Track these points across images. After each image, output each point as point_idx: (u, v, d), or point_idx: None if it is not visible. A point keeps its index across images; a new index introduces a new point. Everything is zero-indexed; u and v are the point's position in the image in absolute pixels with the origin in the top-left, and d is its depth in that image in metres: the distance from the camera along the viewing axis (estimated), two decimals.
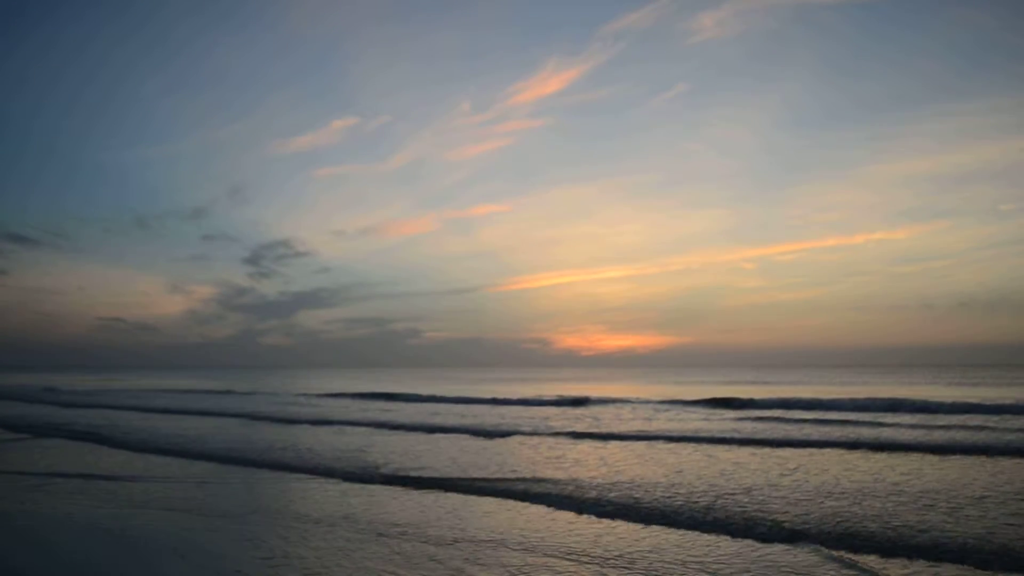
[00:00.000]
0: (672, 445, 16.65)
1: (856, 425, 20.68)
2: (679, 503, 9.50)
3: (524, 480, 11.54)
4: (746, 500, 9.62)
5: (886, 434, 18.14)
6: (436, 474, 12.25)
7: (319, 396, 43.08)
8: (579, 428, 21.06)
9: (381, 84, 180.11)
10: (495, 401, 35.88)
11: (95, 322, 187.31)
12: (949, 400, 27.89)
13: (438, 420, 24.48)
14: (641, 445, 16.72)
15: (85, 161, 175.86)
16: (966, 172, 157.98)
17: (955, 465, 12.96)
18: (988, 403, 26.54)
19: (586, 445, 16.89)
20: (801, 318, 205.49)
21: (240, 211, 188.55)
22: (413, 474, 12.24)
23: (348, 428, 22.00)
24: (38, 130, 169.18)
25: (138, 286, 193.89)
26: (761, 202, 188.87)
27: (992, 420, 21.45)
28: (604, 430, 20.27)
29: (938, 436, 17.44)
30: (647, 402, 33.61)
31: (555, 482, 11.30)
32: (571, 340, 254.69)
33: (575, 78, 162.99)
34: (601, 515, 9.02)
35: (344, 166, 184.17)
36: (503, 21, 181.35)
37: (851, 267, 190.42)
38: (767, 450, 15.54)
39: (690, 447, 16.26)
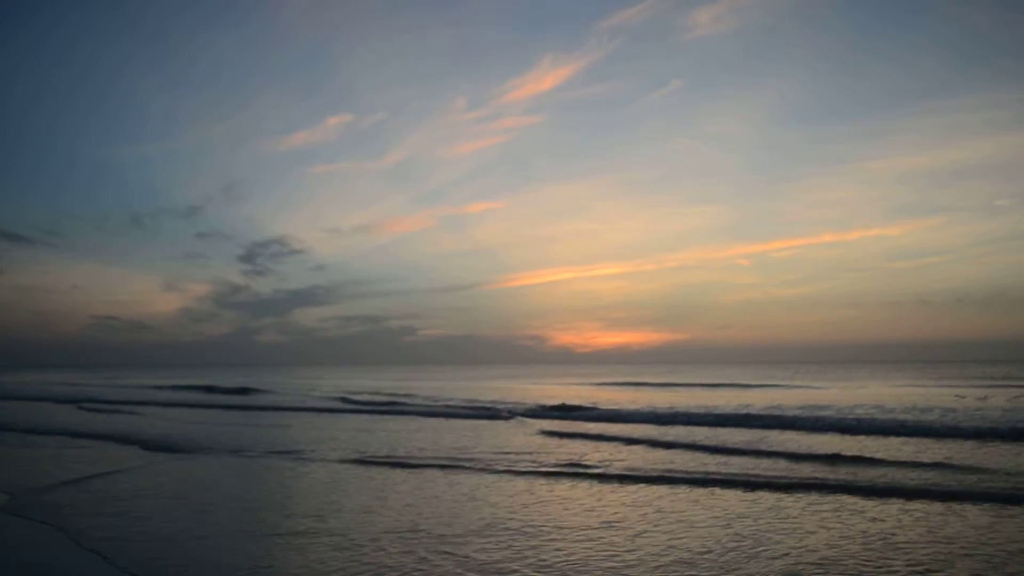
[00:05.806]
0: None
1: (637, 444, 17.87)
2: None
3: None
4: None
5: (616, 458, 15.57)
6: None
7: None
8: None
9: (375, 81, 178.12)
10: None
11: (90, 321, 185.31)
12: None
13: None
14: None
15: (79, 159, 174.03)
16: (962, 168, 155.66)
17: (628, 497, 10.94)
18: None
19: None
20: (797, 314, 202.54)
21: (234, 209, 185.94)
22: None
23: None
24: (31, 128, 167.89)
25: (133, 284, 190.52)
26: (757, 198, 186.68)
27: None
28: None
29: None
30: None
31: None
32: (567, 337, 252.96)
33: (571, 74, 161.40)
34: None
35: (339, 163, 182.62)
36: (498, 17, 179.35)
37: (847, 263, 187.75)
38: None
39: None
